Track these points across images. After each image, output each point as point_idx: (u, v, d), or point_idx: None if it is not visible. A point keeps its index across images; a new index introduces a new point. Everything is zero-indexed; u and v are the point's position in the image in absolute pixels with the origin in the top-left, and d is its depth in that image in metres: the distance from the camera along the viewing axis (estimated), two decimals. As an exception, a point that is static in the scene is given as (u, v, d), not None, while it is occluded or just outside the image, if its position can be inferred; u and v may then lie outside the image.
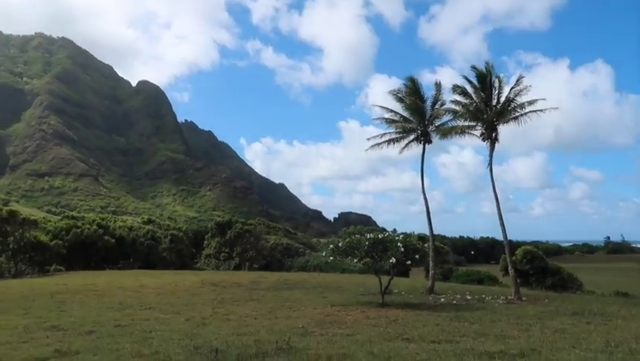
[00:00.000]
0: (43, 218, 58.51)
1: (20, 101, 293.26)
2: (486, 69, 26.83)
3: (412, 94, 29.76)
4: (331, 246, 20.60)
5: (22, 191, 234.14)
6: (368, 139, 31.20)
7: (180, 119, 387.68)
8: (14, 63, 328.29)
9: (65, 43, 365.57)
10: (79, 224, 52.60)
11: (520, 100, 26.29)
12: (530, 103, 25.93)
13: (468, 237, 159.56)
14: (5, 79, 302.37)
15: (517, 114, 26.22)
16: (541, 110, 25.88)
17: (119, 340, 11.06)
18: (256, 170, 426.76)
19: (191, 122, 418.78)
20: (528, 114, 26.01)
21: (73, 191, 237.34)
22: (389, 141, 30.57)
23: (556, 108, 26.53)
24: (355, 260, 19.74)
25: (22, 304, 18.69)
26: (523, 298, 24.40)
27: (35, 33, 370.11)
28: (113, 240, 52.68)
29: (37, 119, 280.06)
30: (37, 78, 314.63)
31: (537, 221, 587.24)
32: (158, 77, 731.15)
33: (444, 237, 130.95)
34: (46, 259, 44.48)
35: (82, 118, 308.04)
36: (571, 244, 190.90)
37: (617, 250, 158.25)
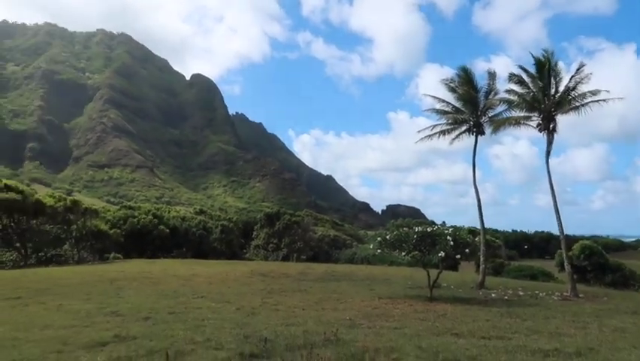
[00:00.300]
0: (103, 208, 61.26)
1: (83, 96, 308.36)
2: (544, 57, 26.05)
3: (465, 84, 29.05)
4: (379, 238, 20.47)
5: (84, 182, 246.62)
6: (418, 131, 30.76)
7: (231, 111, 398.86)
8: (78, 59, 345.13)
9: (124, 39, 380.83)
10: (135, 214, 54.78)
11: (581, 89, 25.40)
12: (593, 93, 24.91)
13: (521, 231, 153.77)
14: (70, 75, 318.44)
15: (577, 104, 25.33)
16: (604, 100, 24.89)
17: (173, 326, 11.47)
18: (305, 162, 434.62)
19: (242, 114, 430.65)
20: (589, 104, 25.09)
21: (130, 182, 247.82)
22: (440, 133, 29.93)
23: (622, 99, 25.35)
24: (403, 253, 19.35)
25: (85, 289, 19.67)
26: (580, 295, 23.56)
27: (97, 30, 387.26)
28: (167, 230, 54.52)
29: (98, 112, 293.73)
30: (98, 73, 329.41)
31: (597, 215, 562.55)
32: (211, 70, 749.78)
33: (496, 230, 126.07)
34: (105, 247, 46.63)
35: (139, 111, 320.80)
36: (634, 239, 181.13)
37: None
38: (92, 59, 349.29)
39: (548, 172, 25.76)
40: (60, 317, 12.80)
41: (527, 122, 27.10)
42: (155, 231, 53.32)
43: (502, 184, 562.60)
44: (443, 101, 29.91)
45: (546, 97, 26.16)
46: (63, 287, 20.43)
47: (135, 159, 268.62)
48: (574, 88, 25.45)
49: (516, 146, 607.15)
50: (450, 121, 29.84)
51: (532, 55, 26.51)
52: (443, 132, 29.90)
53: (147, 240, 52.68)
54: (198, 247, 56.73)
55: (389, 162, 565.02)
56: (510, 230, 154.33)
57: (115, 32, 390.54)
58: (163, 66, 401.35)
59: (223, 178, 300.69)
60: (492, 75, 28.92)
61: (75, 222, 44.36)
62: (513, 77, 27.24)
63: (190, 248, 55.95)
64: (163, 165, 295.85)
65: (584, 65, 25.37)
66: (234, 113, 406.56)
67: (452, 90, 29.50)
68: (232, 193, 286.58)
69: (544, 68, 25.91)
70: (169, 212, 63.32)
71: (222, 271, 30.26)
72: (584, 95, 25.18)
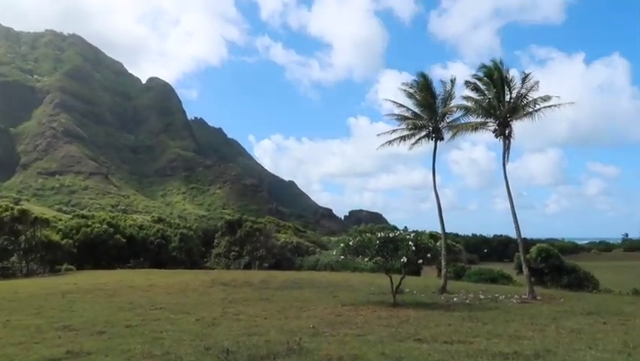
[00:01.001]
0: (54, 217, 59.20)
1: (31, 99, 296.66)
2: (494, 66, 26.62)
3: (423, 90, 29.40)
4: (342, 245, 20.58)
5: (33, 190, 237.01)
6: (378, 135, 31.19)
7: (190, 116, 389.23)
8: (25, 61, 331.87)
9: (75, 40, 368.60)
10: (89, 223, 53.17)
11: (533, 95, 26.17)
12: (544, 99, 25.67)
13: (481, 235, 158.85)
14: (16, 77, 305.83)
15: (530, 110, 26.04)
16: (555, 106, 25.59)
17: (130, 340, 11.18)
18: (266, 167, 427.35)
19: (201, 119, 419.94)
20: (542, 110, 25.84)
21: (83, 189, 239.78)
22: (400, 138, 30.32)
23: (572, 103, 26.24)
24: (366, 259, 19.47)
25: (34, 303, 18.95)
26: (538, 298, 24.22)
27: (45, 30, 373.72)
28: (124, 239, 53.18)
29: (48, 116, 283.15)
30: (47, 75, 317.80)
31: (552, 218, 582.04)
32: (168, 74, 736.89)
33: (456, 235, 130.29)
34: (57, 258, 45.02)
35: (92, 115, 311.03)
36: (587, 241, 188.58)
37: (635, 247, 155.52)
38: (40, 61, 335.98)
39: (505, 177, 26.39)
40: (7, 334, 12.29)
41: (484, 128, 27.72)
42: (110, 240, 51.89)
43: (462, 189, 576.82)
44: (402, 106, 30.30)
45: (501, 103, 26.76)
46: (10, 302, 19.64)
47: (88, 166, 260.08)
48: (525, 95, 26.22)
49: (474, 151, 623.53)
50: (410, 126, 30.18)
51: (483, 65, 27.20)
52: (403, 138, 30.29)
53: (102, 250, 51.19)
54: (156, 257, 55.60)
55: (350, 167, 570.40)
56: (470, 234, 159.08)
57: (65, 33, 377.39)
58: (117, 69, 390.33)
59: (182, 185, 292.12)
60: (451, 82, 29.32)
61: (24, 232, 42.70)
62: (469, 84, 27.88)
63: (148, 258, 54.78)
64: (118, 171, 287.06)
65: (529, 74, 26.16)
66: (193, 118, 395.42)
67: (411, 96, 29.88)
68: (192, 200, 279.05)
69: (494, 77, 26.53)
70: (125, 221, 61.76)
71: (182, 281, 29.86)
72: (535, 102, 25.94)
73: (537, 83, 26.07)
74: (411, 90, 29.86)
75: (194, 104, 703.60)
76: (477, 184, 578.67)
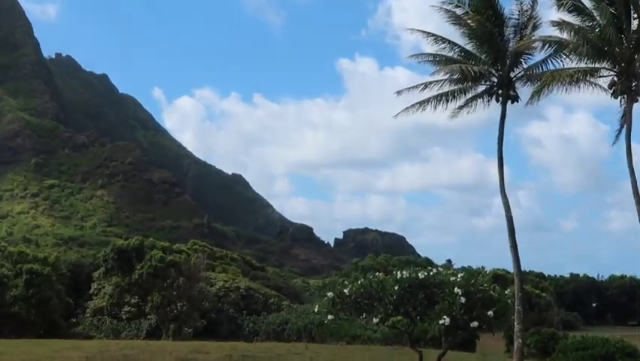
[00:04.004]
0: None
1: None
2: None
3: (482, 10, 21.53)
4: (330, 293, 15.74)
5: None
6: (397, 93, 23.24)
7: (47, 53, 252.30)
8: None
9: None
10: None
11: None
12: None
13: (586, 276, 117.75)
14: None
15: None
16: None
17: None
18: (188, 148, 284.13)
19: (68, 57, 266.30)
20: None
21: None
22: (436, 98, 22.46)
23: None
24: (375, 320, 14.94)
25: None
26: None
27: None
28: None
29: None
30: None
31: None
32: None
33: (541, 276, 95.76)
34: None
35: None
36: None
37: None
38: None
39: (630, 168, 20.18)
40: None
41: (592, 80, 21.01)
42: None
43: (549, 192, 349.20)
44: (441, 39, 22.84)
45: (624, 35, 20.05)
46: None
47: None
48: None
49: (571, 123, 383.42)
50: (456, 76, 21.97)
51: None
52: (442, 97, 22.42)
53: None
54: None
55: (344, 149, 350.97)
56: (566, 275, 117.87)
57: None
58: None
59: (31, 180, 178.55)
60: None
61: None
62: (564, 1, 20.44)
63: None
64: None
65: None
66: (53, 57, 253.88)
67: (458, 21, 22.20)
68: (49, 209, 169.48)
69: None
70: None
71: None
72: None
73: None
74: (458, 11, 22.20)
75: (55, 32, 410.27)
76: (577, 184, 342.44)
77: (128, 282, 43.78)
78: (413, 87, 22.85)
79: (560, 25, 20.62)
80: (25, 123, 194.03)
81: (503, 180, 22.55)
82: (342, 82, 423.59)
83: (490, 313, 14.42)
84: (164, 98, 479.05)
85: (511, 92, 21.86)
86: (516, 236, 21.82)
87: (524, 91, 22.09)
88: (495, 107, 22.32)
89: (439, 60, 22.40)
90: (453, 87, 22.42)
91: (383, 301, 14.92)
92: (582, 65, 20.77)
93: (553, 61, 21.55)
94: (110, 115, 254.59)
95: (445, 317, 13.84)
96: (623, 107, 20.45)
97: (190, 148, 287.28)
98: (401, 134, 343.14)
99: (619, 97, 20.33)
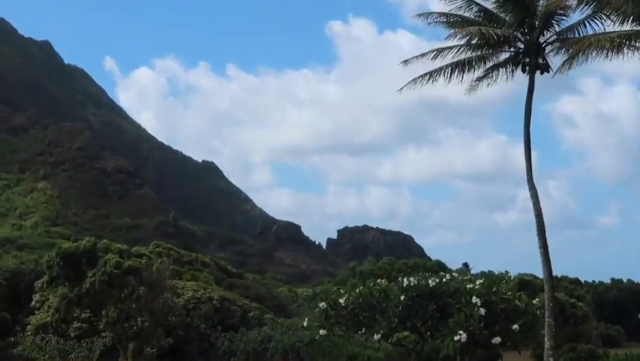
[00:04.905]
0: None
1: None
2: None
3: None
4: (322, 304, 15.45)
5: None
6: (404, 63, 20.58)
7: None
8: None
9: None
10: None
11: None
12: None
13: (630, 281, 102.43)
14: None
15: None
16: None
17: None
18: (148, 130, 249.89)
19: (2, 20, 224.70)
20: None
21: None
22: (451, 67, 20.02)
23: None
24: (377, 336, 14.95)
25: None
26: None
27: None
28: None
29: None
30: None
31: None
32: None
33: (576, 282, 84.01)
34: None
35: None
36: None
37: None
38: None
39: None
40: None
41: (637, 46, 18.78)
42: None
43: (585, 182, 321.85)
44: None
45: None
46: None
47: None
48: None
49: (610, 97, 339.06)
50: (475, 41, 19.45)
51: None
52: (456, 67, 19.97)
53: None
54: None
55: (337, 132, 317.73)
56: (607, 280, 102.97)
57: None
58: None
59: None
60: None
61: None
62: None
63: None
64: None
65: None
66: None
67: None
68: None
69: None
70: None
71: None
72: None
73: None
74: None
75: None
76: (618, 172, 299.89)
77: (78, 293, 38.41)
78: (421, 55, 19.99)
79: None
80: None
81: (531, 167, 19.95)
82: (333, 49, 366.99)
83: (515, 327, 13.84)
84: (118, 69, 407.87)
85: (541, 61, 19.31)
86: (546, 234, 19.59)
87: (555, 60, 19.44)
88: (520, 78, 19.70)
89: (453, 22, 19.64)
90: (470, 55, 19.69)
91: (386, 314, 14.34)
92: (625, 27, 18.19)
93: (591, 22, 19.27)
94: (54, 90, 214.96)
95: (460, 332, 13.24)
96: None
97: (151, 130, 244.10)
98: (405, 113, 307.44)
99: (670, 67, 18.28)
